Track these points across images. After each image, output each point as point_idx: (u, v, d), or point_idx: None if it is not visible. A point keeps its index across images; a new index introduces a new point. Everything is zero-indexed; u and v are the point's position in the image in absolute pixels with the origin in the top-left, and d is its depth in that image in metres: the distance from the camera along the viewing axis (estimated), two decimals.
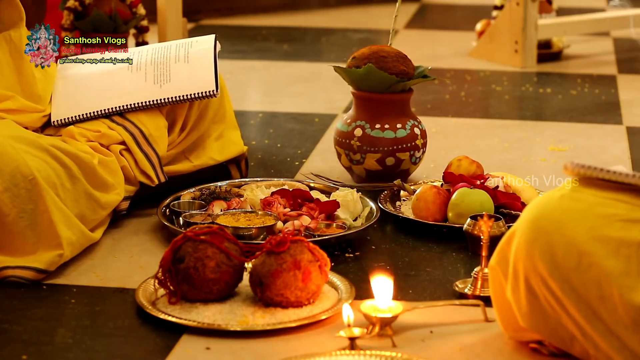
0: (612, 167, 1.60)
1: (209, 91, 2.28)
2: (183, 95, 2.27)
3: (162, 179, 2.24)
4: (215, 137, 2.38)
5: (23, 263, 1.92)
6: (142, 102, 2.25)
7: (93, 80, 2.30)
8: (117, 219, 2.17)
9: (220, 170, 2.42)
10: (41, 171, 1.94)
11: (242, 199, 2.22)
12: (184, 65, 2.30)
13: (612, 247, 1.52)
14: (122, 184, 2.16)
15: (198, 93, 2.28)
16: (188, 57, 2.30)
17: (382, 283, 1.73)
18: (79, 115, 2.22)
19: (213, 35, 2.37)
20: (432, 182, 2.40)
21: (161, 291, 1.82)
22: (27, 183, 1.92)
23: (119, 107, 2.24)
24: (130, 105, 2.24)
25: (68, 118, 2.22)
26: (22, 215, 1.92)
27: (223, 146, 2.39)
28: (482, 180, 2.24)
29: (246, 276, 1.84)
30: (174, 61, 2.31)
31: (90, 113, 2.23)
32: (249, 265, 1.85)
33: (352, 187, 2.31)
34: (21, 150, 1.93)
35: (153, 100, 2.25)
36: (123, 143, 2.20)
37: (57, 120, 2.22)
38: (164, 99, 2.26)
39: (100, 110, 2.24)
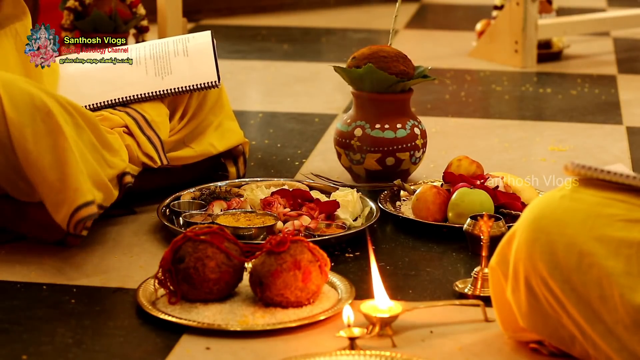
0: (612, 167, 1.60)
1: (211, 82, 2.31)
2: (185, 86, 2.29)
3: (165, 162, 2.25)
4: (215, 127, 2.40)
5: (78, 202, 1.92)
6: (145, 94, 2.28)
7: (95, 74, 2.31)
8: (122, 216, 2.17)
9: (219, 166, 2.42)
10: (54, 106, 1.93)
11: (242, 199, 2.22)
12: (183, 59, 2.32)
13: (613, 247, 1.52)
14: (126, 154, 2.15)
15: (200, 84, 2.30)
16: (187, 51, 2.33)
17: (378, 283, 1.73)
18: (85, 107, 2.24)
19: (209, 32, 2.39)
20: (432, 182, 2.40)
21: (161, 291, 1.82)
22: (44, 115, 1.92)
23: (123, 98, 2.26)
24: (133, 96, 2.27)
25: None
26: (45, 149, 1.92)
27: (222, 135, 2.40)
28: (482, 180, 2.24)
29: (246, 276, 1.84)
30: (174, 55, 2.33)
31: (94, 104, 2.24)
32: (249, 265, 1.85)
33: (352, 187, 2.31)
34: (32, 86, 1.94)
35: (156, 92, 2.28)
36: (125, 127, 2.21)
37: None
38: (167, 89, 2.29)
39: (104, 102, 2.25)
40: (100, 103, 2.26)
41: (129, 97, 2.27)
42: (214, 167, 2.43)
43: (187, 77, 2.31)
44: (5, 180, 1.99)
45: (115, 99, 2.27)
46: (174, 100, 2.34)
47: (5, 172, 1.97)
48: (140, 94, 2.28)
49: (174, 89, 2.30)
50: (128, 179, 2.13)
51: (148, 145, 2.22)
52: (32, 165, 1.93)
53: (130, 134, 2.21)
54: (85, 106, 2.23)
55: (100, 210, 1.97)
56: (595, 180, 1.60)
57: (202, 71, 2.32)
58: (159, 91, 2.29)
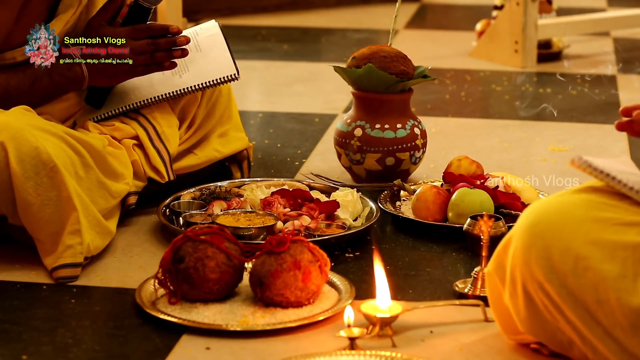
0: (618, 160, 1.59)
1: (230, 75, 2.29)
2: (205, 82, 2.27)
3: (172, 177, 2.24)
4: (219, 134, 2.39)
5: (63, 261, 1.93)
6: (166, 94, 2.25)
7: None
8: (122, 216, 2.17)
9: (222, 170, 2.42)
10: (59, 158, 1.95)
11: (242, 199, 2.22)
12: (197, 55, 2.29)
13: (608, 250, 1.51)
14: (131, 175, 2.16)
15: (220, 78, 2.28)
16: (199, 46, 2.30)
17: (382, 282, 1.73)
18: (105, 113, 2.23)
19: (214, 21, 2.36)
20: (432, 182, 2.40)
21: (161, 291, 1.82)
22: (49, 170, 1.93)
23: (144, 100, 2.24)
24: (156, 98, 2.24)
25: (93, 118, 2.23)
26: (46, 202, 1.93)
27: (228, 141, 2.40)
28: (482, 180, 2.24)
29: (246, 276, 1.84)
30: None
31: (115, 110, 2.23)
32: (249, 265, 1.85)
33: (352, 187, 2.31)
34: (40, 138, 1.94)
35: (177, 91, 2.25)
36: (136, 138, 2.21)
37: (92, 118, 2.24)
38: (188, 88, 2.26)
39: (126, 106, 2.24)
40: (122, 108, 2.24)
41: (151, 99, 2.24)
42: (217, 172, 2.42)
43: (205, 73, 2.28)
44: None
45: (139, 102, 2.24)
46: (183, 109, 2.32)
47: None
48: (162, 95, 2.25)
49: (195, 86, 2.26)
50: (131, 200, 2.15)
51: (157, 159, 2.22)
52: (31, 215, 1.95)
53: (140, 145, 2.21)
54: (112, 111, 2.23)
55: (86, 261, 1.98)
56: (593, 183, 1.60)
57: (219, 65, 2.29)
58: (181, 90, 2.25)
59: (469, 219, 2.06)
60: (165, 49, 2.16)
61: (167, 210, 2.20)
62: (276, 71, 3.74)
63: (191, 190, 2.28)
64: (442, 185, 2.28)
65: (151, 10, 2.18)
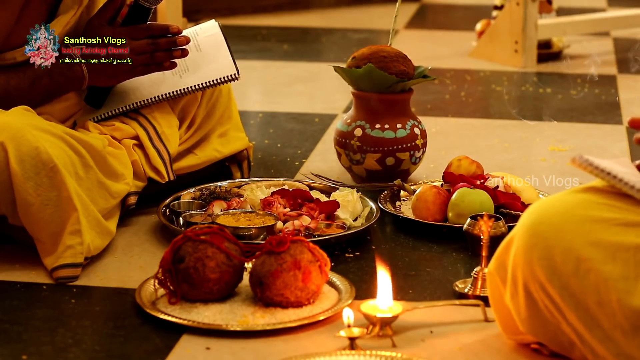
0: (617, 162, 1.59)
1: (231, 75, 2.29)
2: (206, 82, 2.27)
3: (172, 177, 2.24)
4: (219, 134, 2.39)
5: (64, 261, 1.93)
6: (167, 94, 2.25)
7: None
8: (122, 216, 2.17)
9: (222, 170, 2.42)
10: (59, 158, 1.95)
11: (242, 199, 2.22)
12: (197, 54, 2.29)
13: (610, 251, 1.51)
14: (131, 175, 2.16)
15: (220, 78, 2.28)
16: (199, 46, 2.30)
17: (384, 281, 1.72)
18: (105, 113, 2.23)
19: (214, 21, 2.36)
20: (432, 182, 2.40)
21: (161, 291, 1.82)
22: (49, 171, 1.93)
23: (144, 100, 2.24)
24: (156, 97, 2.24)
25: (93, 118, 2.23)
26: (46, 202, 1.93)
27: (228, 141, 2.40)
28: (482, 180, 2.24)
29: (246, 276, 1.84)
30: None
31: (115, 110, 2.23)
32: (249, 265, 1.85)
33: (352, 187, 2.31)
34: (40, 138, 1.94)
35: (177, 91, 2.25)
36: (136, 138, 2.21)
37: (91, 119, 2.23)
38: (188, 88, 2.26)
39: (126, 106, 2.24)
40: (121, 108, 2.24)
41: (151, 99, 2.24)
42: (217, 172, 2.42)
43: (205, 73, 2.28)
44: None
45: (138, 102, 2.24)
46: (183, 109, 2.32)
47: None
48: (162, 95, 2.25)
49: (195, 86, 2.26)
50: (131, 200, 2.15)
51: (157, 159, 2.22)
52: (31, 215, 1.95)
53: (140, 145, 2.21)
54: (112, 111, 2.23)
55: (86, 261, 1.98)
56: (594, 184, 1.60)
57: (219, 65, 2.29)
58: (181, 90, 2.25)
59: (469, 219, 2.06)
60: (165, 49, 2.16)
61: (167, 210, 2.20)
62: (276, 71, 3.74)
63: (191, 190, 2.28)
64: (442, 185, 2.28)
65: (151, 10, 2.18)
